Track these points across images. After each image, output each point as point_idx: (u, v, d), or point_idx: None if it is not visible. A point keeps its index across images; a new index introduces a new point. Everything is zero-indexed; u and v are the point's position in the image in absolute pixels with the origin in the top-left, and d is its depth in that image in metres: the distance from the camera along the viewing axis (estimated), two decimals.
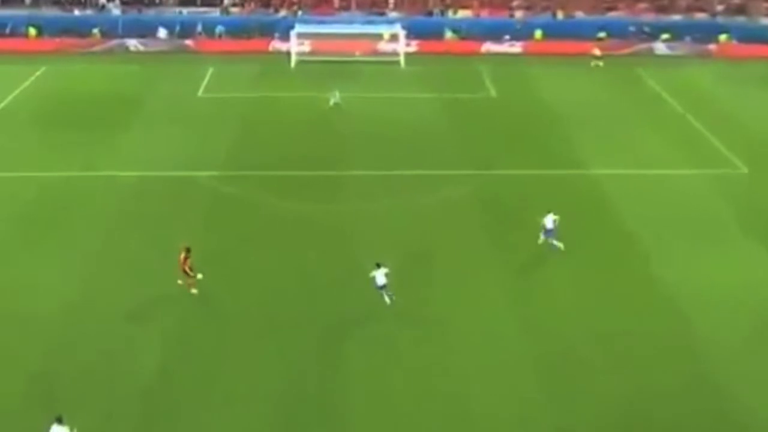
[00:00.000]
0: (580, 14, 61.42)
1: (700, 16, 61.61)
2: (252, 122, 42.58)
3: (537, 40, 58.47)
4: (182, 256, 25.44)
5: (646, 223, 31.62)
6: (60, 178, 34.87)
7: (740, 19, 61.08)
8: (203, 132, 40.58)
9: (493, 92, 48.57)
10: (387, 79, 50.61)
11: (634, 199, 33.79)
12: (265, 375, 22.52)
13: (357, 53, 54.01)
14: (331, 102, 43.94)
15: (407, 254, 28.59)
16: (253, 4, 61.46)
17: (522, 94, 48.04)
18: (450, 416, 21.14)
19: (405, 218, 31.54)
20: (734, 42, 58.71)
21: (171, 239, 28.12)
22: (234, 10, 60.96)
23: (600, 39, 57.74)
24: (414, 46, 56.22)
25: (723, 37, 58.88)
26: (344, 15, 59.50)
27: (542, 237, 28.94)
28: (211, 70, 51.54)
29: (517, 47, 57.97)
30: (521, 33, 58.53)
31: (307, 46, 55.04)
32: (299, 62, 53.61)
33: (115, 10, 60.04)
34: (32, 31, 57.68)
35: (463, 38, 58.54)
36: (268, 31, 57.89)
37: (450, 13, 61.10)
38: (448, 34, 58.75)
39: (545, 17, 60.52)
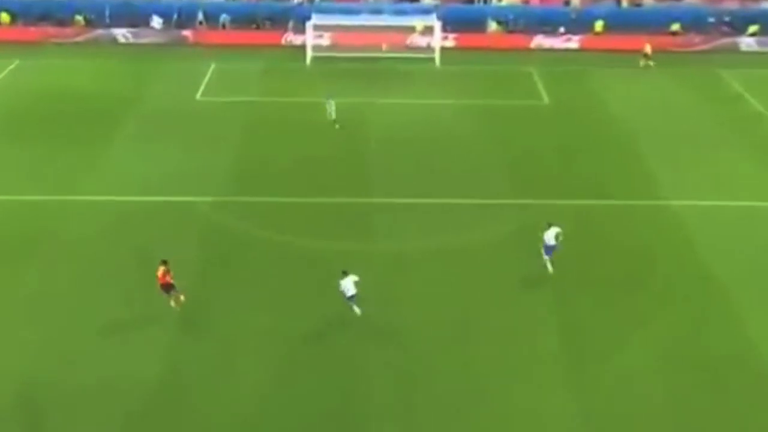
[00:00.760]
0: (649, 1, 60.01)
1: None
2: (257, 134, 41.78)
3: (597, 33, 57.72)
4: (161, 270, 26.17)
5: (737, 270, 29.89)
6: (27, 203, 34.14)
7: None
8: (200, 146, 39.91)
9: (545, 98, 47.68)
10: (419, 81, 50.04)
11: (720, 238, 32.08)
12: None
13: (384, 48, 53.69)
14: (332, 115, 41.55)
15: (438, 318, 27.05)
16: None
17: (580, 101, 47.16)
18: None
19: (435, 264, 30.02)
20: None
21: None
22: None
23: (674, 33, 56.73)
24: (451, 40, 56.24)
25: None
26: (370, 2, 58.96)
27: (545, 256, 28.69)
28: (212, 68, 51.40)
29: (574, 42, 57.20)
30: (579, 24, 57.74)
31: (325, 40, 55.27)
32: (315, 59, 53.19)
33: None
34: (4, 16, 57.44)
35: (509, 31, 58.20)
36: (280, 20, 57.59)
37: (494, 0, 60.11)
38: (492, 26, 58.30)
39: (607, 5, 59.76)
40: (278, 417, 22.82)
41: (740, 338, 26.31)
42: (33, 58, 52.06)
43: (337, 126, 41.17)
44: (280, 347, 25.52)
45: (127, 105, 44.54)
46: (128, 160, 38.20)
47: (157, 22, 57.41)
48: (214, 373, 24.33)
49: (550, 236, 28.55)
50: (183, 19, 57.87)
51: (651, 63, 52.30)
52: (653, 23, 56.73)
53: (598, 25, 57.49)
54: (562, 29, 57.22)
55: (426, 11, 56.21)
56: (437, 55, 53.16)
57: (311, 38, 53.41)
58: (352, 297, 25.75)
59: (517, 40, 57.00)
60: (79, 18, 57.14)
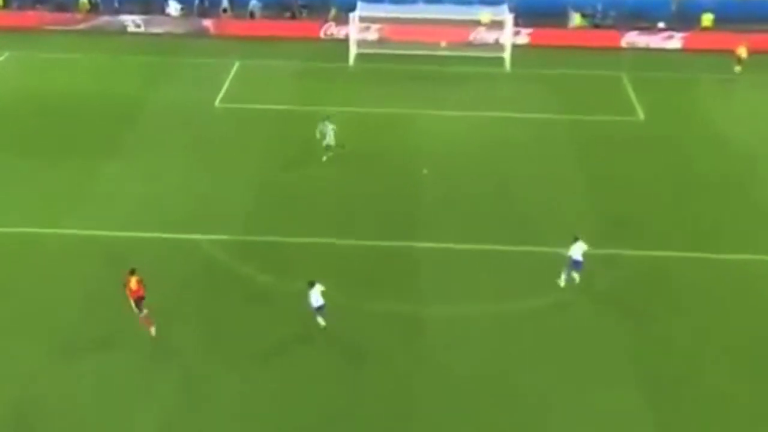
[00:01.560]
0: None
1: None
2: (286, 153, 40.84)
3: (705, 29, 56.98)
4: (133, 280, 27.15)
5: None
6: (3, 235, 33.60)
7: None
8: (215, 166, 39.48)
9: (640, 113, 46.57)
10: (485, 88, 49.57)
11: None
12: None
13: (443, 45, 53.82)
14: (324, 141, 39.30)
15: (495, 403, 25.32)
16: None
17: (684, 117, 45.92)
18: None
19: (495, 334, 28.51)
20: None
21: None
22: None
23: None
24: (525, 36, 56.41)
25: None
26: None
27: (563, 276, 30.06)
28: (236, 66, 51.60)
29: (675, 40, 56.65)
30: (682, 18, 57.19)
31: (373, 33, 55.71)
32: (360, 56, 53.21)
33: None
34: None
35: (596, 25, 58.23)
36: (320, 9, 57.79)
37: None
38: (575, 19, 58.18)
39: None
40: None
41: None
42: (25, 48, 53.01)
43: (329, 155, 39.05)
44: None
45: (132, 111, 44.52)
46: (128, 181, 37.79)
47: (174, 8, 58.08)
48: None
49: (576, 251, 29.82)
50: (205, 5, 58.55)
51: (739, 68, 50.72)
52: None
53: (707, 18, 56.92)
54: (661, 24, 56.96)
55: (495, 1, 55.85)
56: (507, 55, 53.00)
57: (356, 32, 53.53)
58: (320, 308, 27.83)
59: (605, 36, 56.97)
60: (83, 0, 58.14)
